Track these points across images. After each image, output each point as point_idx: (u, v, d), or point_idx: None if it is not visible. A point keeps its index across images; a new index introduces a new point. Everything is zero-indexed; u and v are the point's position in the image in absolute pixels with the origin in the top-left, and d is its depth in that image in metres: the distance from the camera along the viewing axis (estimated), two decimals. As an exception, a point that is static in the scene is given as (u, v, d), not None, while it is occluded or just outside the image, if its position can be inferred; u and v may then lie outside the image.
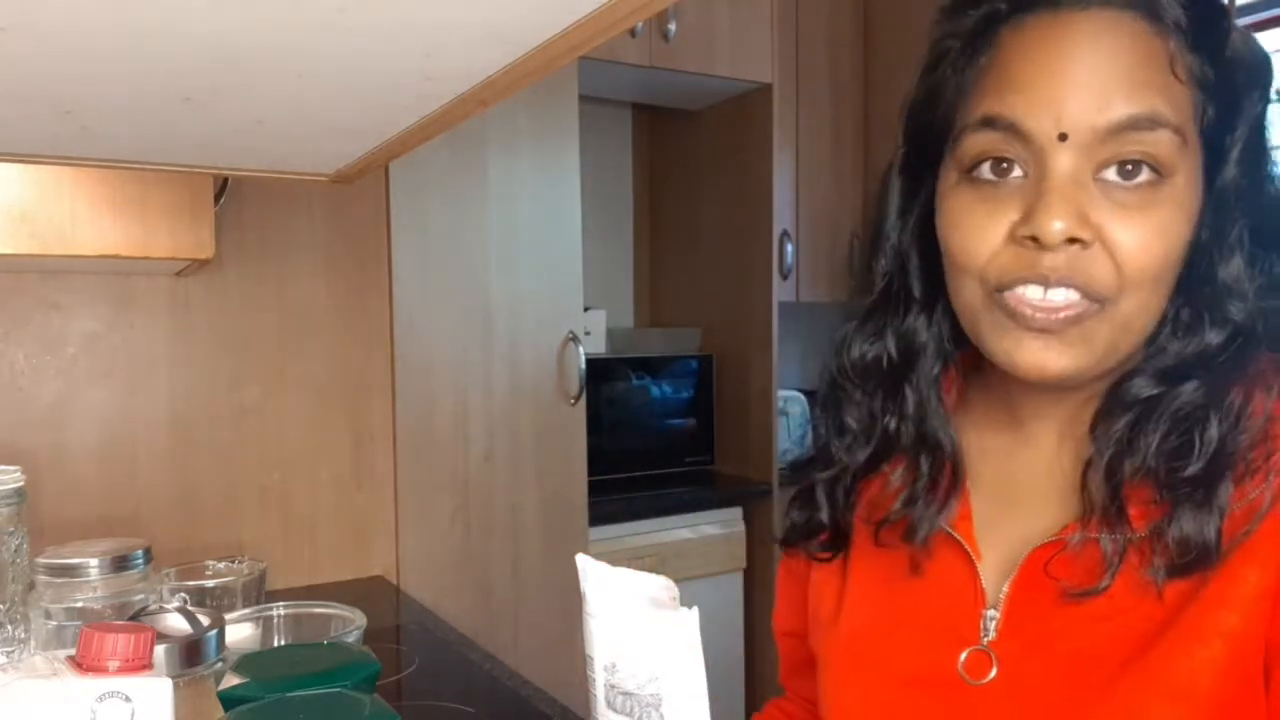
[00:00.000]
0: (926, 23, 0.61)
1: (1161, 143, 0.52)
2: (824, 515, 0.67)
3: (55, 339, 1.50)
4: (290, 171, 1.00)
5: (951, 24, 0.58)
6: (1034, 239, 0.53)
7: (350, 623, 1.02)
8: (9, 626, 0.93)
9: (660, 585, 0.55)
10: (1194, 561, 0.51)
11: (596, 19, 0.54)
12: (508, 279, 1.91)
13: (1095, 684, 0.53)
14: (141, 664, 0.55)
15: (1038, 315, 0.53)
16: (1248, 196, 0.54)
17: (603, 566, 0.56)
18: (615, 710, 0.54)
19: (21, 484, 0.96)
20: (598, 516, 2.08)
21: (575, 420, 2.00)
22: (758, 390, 2.56)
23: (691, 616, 0.52)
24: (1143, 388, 0.55)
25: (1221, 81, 0.54)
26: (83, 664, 0.54)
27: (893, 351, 0.64)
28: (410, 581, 1.79)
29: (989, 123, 0.54)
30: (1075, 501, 0.57)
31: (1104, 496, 0.54)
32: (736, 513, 2.52)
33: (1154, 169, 0.52)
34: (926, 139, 0.60)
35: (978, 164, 0.56)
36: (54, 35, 0.56)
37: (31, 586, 0.95)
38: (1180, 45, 0.53)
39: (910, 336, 0.64)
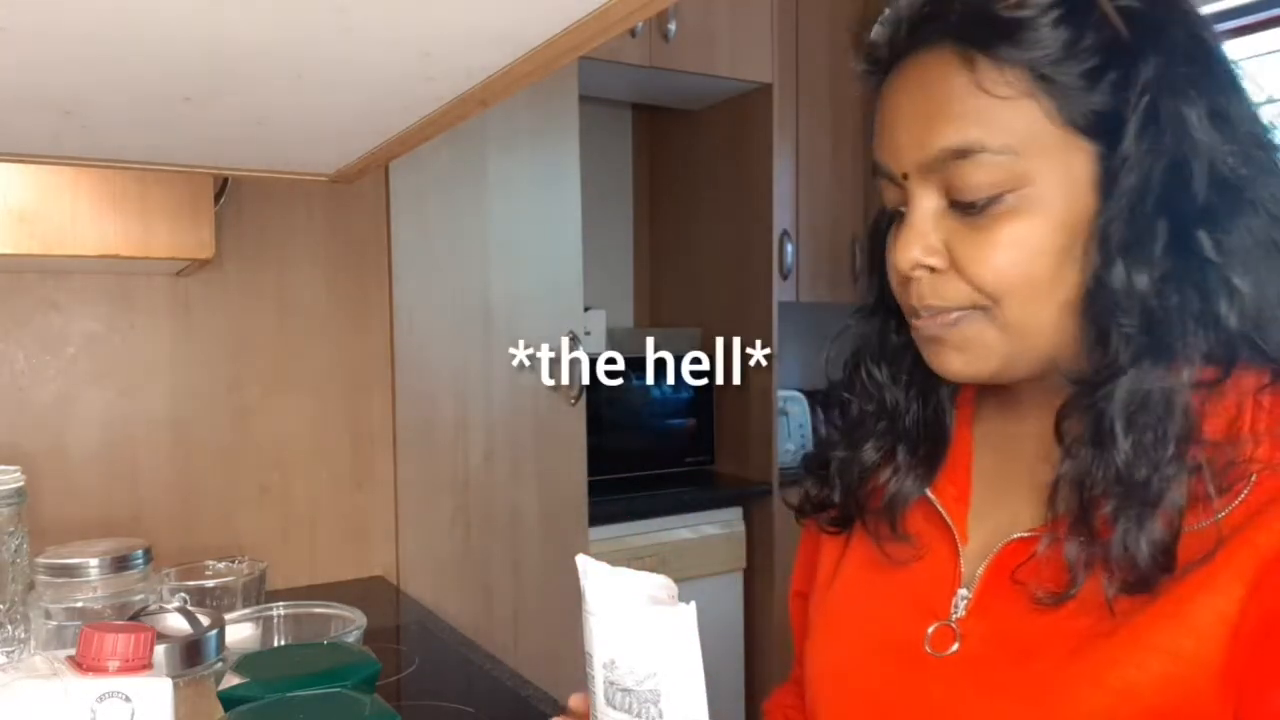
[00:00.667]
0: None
1: (984, 166, 0.54)
2: (835, 494, 0.71)
3: (55, 339, 1.50)
4: (290, 171, 1.00)
5: (863, 82, 0.64)
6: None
7: (350, 623, 1.02)
8: (9, 626, 0.93)
9: (659, 584, 0.56)
10: (1139, 582, 0.51)
11: (596, 19, 0.54)
12: (508, 279, 1.91)
13: (1042, 671, 0.55)
14: (141, 664, 0.55)
15: (927, 327, 0.59)
16: (1155, 185, 0.53)
17: (602, 566, 0.56)
18: (615, 707, 0.55)
19: (21, 484, 0.96)
20: (598, 516, 2.08)
21: (575, 420, 2.01)
22: (758, 390, 2.56)
23: (689, 612, 0.52)
24: (1084, 394, 0.55)
25: (1085, 67, 0.53)
26: (83, 664, 0.54)
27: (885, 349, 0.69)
28: (410, 581, 1.79)
29: (875, 171, 0.61)
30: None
31: (1073, 505, 0.55)
32: (736, 513, 2.52)
33: (990, 189, 0.54)
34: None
35: (889, 206, 0.61)
36: (54, 35, 0.56)
37: (31, 586, 0.95)
38: (993, 62, 0.54)
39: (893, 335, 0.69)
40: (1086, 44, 0.53)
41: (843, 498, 0.70)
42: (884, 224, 0.66)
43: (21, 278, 1.48)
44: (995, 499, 0.64)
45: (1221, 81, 0.55)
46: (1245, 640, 0.49)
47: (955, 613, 0.61)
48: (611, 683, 0.54)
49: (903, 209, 0.59)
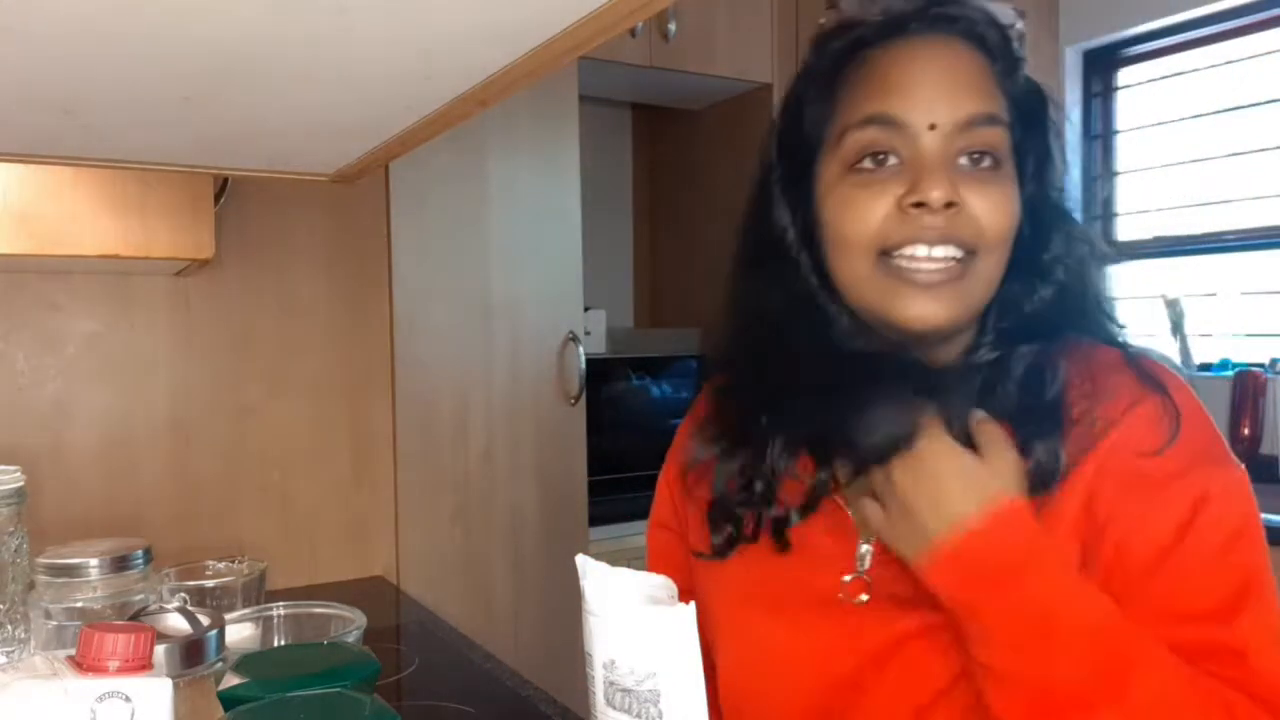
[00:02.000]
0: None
1: (998, 136, 0.67)
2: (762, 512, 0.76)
3: (55, 339, 1.50)
4: (290, 171, 1.00)
5: (823, 49, 0.72)
6: (919, 205, 0.65)
7: (350, 623, 1.02)
8: (9, 626, 0.93)
9: (658, 584, 0.56)
10: (1038, 485, 0.64)
11: (596, 19, 0.54)
12: (508, 279, 1.91)
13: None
14: (141, 664, 0.55)
15: (922, 272, 0.66)
16: (1043, 205, 0.70)
17: (602, 566, 0.56)
18: (614, 707, 0.55)
19: (21, 484, 0.96)
20: (598, 516, 2.08)
21: (575, 420, 2.01)
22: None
23: (688, 612, 0.53)
24: (988, 353, 0.69)
25: (1021, 108, 0.69)
26: (83, 664, 0.54)
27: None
28: (410, 581, 1.79)
29: (872, 120, 0.67)
30: None
31: (964, 439, 0.65)
32: (736, 513, 2.52)
33: (993, 157, 0.67)
34: (798, 150, 0.73)
35: (860, 158, 0.68)
36: (54, 35, 0.56)
37: (31, 586, 0.95)
38: (999, 67, 0.68)
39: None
40: (1018, 93, 0.69)
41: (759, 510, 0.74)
42: (775, 180, 0.74)
43: (21, 278, 1.48)
44: None
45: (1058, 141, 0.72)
46: (1102, 501, 0.64)
47: (862, 565, 0.70)
48: (611, 683, 0.55)
49: (890, 156, 0.67)
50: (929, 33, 0.68)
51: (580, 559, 0.57)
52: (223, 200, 1.52)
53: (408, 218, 1.79)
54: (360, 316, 1.75)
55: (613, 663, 0.54)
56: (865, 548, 0.70)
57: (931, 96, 0.66)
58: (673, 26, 2.23)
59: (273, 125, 0.80)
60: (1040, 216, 0.70)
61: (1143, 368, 0.67)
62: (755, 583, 0.75)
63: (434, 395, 1.83)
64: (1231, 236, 2.20)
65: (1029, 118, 0.70)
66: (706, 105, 2.64)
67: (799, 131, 0.73)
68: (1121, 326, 0.71)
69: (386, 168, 1.74)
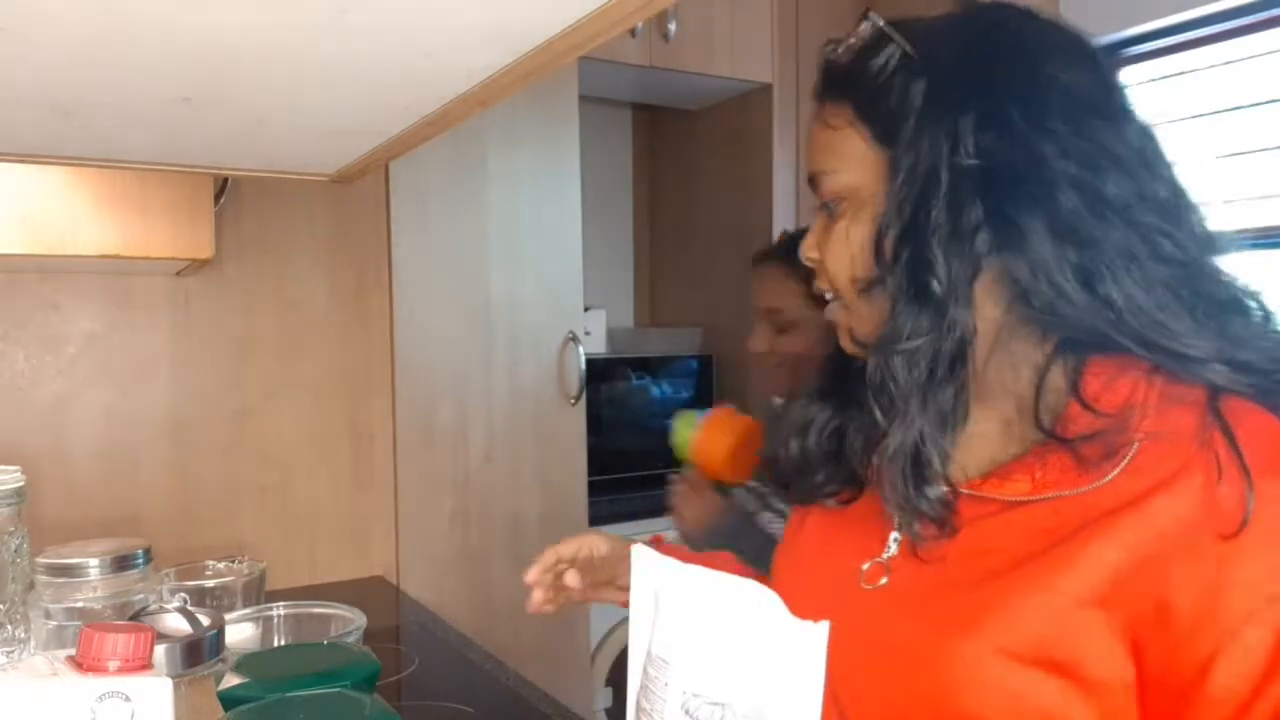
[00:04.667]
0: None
1: (833, 184, 0.69)
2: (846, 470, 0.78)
3: (55, 339, 1.50)
4: (290, 171, 1.00)
5: None
6: None
7: (350, 623, 1.02)
8: (9, 626, 0.93)
9: (754, 589, 0.51)
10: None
11: (596, 19, 0.54)
12: (508, 279, 1.91)
13: (954, 600, 0.63)
14: (141, 664, 0.55)
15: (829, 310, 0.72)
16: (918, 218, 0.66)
17: (672, 563, 0.53)
18: (692, 717, 0.51)
19: (21, 484, 0.96)
20: (598, 516, 2.08)
21: (575, 420, 2.00)
22: (758, 390, 2.55)
23: (820, 631, 0.48)
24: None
25: (899, 128, 0.65)
26: (83, 664, 0.54)
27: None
28: (410, 581, 1.79)
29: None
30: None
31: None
32: (736, 513, 2.52)
33: (834, 206, 0.70)
34: None
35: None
36: (54, 35, 0.56)
37: (31, 586, 0.95)
38: (857, 115, 0.67)
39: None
40: (887, 71, 0.65)
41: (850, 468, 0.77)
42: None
43: (21, 278, 1.48)
44: None
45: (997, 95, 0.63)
46: (1139, 595, 0.55)
47: (888, 551, 0.70)
48: (696, 695, 0.51)
49: None
50: (820, 94, 0.72)
51: (640, 550, 0.54)
52: (223, 200, 1.52)
53: (408, 218, 1.79)
54: (360, 316, 1.75)
55: (703, 673, 0.49)
56: (895, 536, 0.70)
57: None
58: (673, 26, 2.23)
59: (273, 125, 0.80)
60: (918, 234, 0.64)
61: (1212, 400, 0.58)
62: (798, 544, 0.79)
63: (434, 395, 1.83)
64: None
65: (907, 139, 0.65)
66: (706, 105, 2.64)
67: None
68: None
69: (386, 168, 1.74)
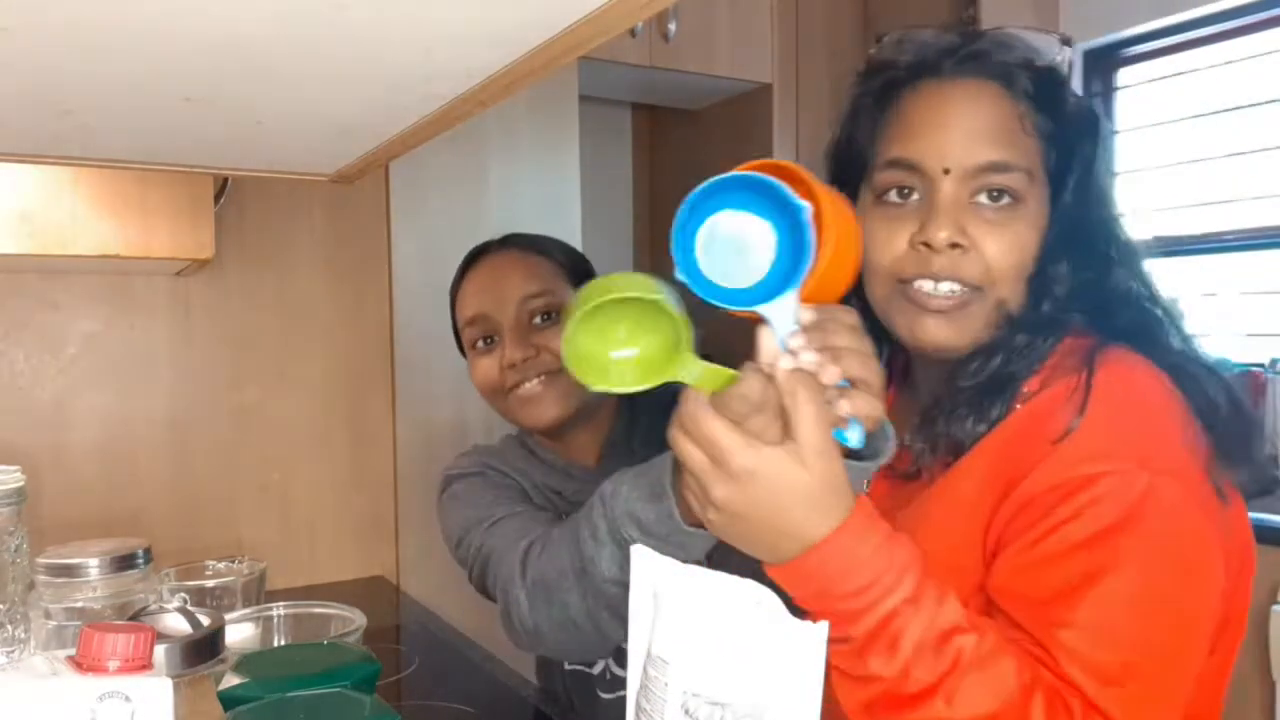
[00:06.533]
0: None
1: (1013, 179, 0.71)
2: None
3: (55, 339, 1.50)
4: (290, 171, 1.00)
5: (864, 85, 0.79)
6: (927, 244, 0.71)
7: (350, 623, 1.02)
8: (9, 626, 0.93)
9: (752, 590, 0.51)
10: (950, 454, 0.72)
11: (596, 19, 0.54)
12: (508, 279, 1.90)
13: (902, 517, 0.73)
14: (141, 664, 0.55)
15: (933, 302, 0.72)
16: (1079, 220, 0.73)
17: (671, 563, 0.52)
18: (692, 717, 0.50)
19: (22, 484, 0.96)
20: (598, 516, 2.08)
21: (575, 420, 2.00)
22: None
23: (819, 632, 0.48)
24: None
25: (1061, 133, 0.73)
26: (83, 664, 0.54)
27: None
28: (410, 581, 1.79)
29: (894, 163, 0.74)
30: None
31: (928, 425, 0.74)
32: (736, 513, 2.52)
33: (1011, 196, 0.72)
34: (846, 172, 0.79)
35: (886, 191, 0.75)
36: (54, 35, 0.56)
37: (31, 586, 0.95)
38: (1028, 108, 0.72)
39: None
40: (1062, 115, 0.73)
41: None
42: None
43: (21, 278, 1.48)
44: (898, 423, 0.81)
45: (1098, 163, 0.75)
46: (996, 522, 0.68)
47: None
48: (695, 694, 0.50)
49: (910, 194, 0.74)
50: (958, 75, 0.73)
51: (640, 551, 0.53)
52: (223, 200, 1.52)
53: (408, 218, 1.79)
54: (360, 316, 1.75)
55: (701, 672, 0.49)
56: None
57: (948, 141, 0.71)
58: (673, 26, 2.23)
59: (273, 125, 0.80)
60: (1076, 236, 0.72)
61: (1094, 353, 0.69)
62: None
63: (434, 395, 1.83)
64: (1231, 236, 2.20)
65: (1075, 141, 0.73)
66: (706, 105, 2.64)
67: (846, 158, 0.80)
68: (1175, 328, 0.73)
69: (386, 168, 1.73)
